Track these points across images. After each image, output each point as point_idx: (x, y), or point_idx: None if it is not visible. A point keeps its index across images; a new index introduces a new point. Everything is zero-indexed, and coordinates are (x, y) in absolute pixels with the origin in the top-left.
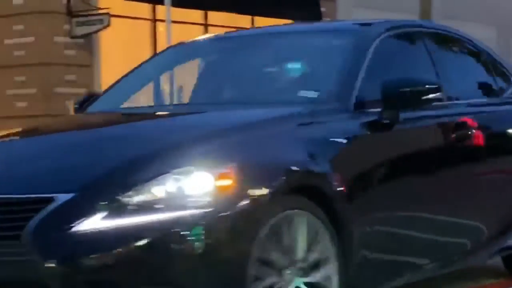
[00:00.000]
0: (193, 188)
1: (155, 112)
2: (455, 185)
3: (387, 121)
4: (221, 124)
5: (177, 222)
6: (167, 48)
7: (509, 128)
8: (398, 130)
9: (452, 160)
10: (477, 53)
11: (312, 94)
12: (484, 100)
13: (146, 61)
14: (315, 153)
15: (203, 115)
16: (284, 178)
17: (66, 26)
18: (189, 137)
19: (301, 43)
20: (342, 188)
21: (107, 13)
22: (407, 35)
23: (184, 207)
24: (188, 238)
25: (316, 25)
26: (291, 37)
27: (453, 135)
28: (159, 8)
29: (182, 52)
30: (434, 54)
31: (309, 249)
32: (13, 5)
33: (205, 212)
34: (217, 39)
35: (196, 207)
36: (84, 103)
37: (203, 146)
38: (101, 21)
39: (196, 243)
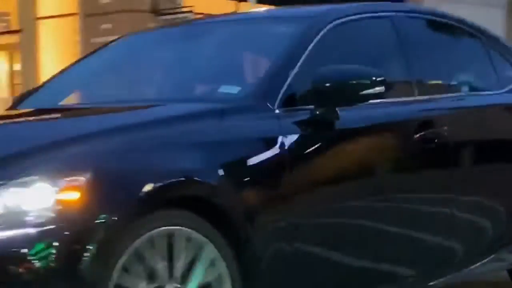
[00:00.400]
0: (32, 202)
1: (54, 112)
2: (410, 199)
3: (319, 120)
4: (95, 127)
5: (12, 241)
6: (115, 40)
7: (496, 127)
8: (336, 130)
9: (410, 166)
10: (477, 41)
11: (233, 89)
12: (475, 94)
13: (89, 54)
14: (211, 158)
15: (90, 116)
16: (156, 189)
17: (151, 25)
18: (45, 142)
19: (245, 32)
20: (245, 201)
21: (191, 11)
22: (371, 22)
23: (21, 224)
24: (26, 260)
25: (266, 12)
26: (234, 26)
27: (417, 136)
28: (243, 5)
29: (129, 44)
30: (408, 43)
31: (194, 272)
32: (100, 4)
33: (45, 231)
34: (161, 30)
35: (35, 225)
36: (22, 98)
37: (56, 153)
38: (185, 18)
39: (37, 266)
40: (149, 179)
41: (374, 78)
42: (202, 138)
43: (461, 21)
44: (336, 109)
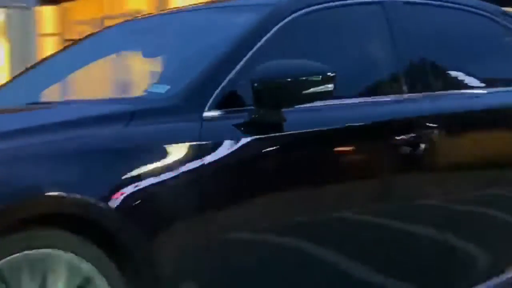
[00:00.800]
0: None
1: None
2: (377, 220)
3: (258, 124)
4: None
5: None
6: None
7: (489, 129)
8: (278, 135)
9: (381, 175)
10: (498, 31)
11: (161, 89)
12: (489, 91)
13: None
14: (100, 170)
15: None
16: (16, 205)
17: None
18: None
19: (198, 24)
20: (144, 222)
21: None
22: (354, 9)
23: None
24: None
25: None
26: (189, 18)
27: (397, 139)
28: None
29: (100, 39)
30: (403, 35)
31: None
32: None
33: None
34: (115, 27)
35: None
36: None
37: None
38: None
39: None
40: (10, 193)
41: (328, 74)
42: (94, 146)
43: (480, 7)
44: (282, 110)
